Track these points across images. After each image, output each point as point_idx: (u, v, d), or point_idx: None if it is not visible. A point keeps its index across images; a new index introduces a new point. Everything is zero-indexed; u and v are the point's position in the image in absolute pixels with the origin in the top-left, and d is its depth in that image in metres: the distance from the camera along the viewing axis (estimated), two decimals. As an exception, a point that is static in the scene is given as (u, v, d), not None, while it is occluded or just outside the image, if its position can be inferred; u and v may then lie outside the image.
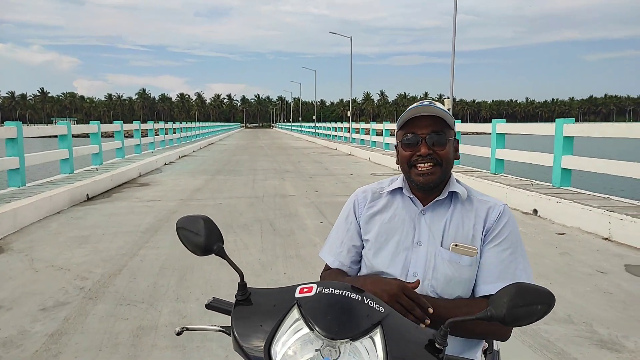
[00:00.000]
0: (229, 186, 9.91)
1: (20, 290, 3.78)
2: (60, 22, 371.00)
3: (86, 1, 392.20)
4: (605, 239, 5.39)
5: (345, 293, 0.90)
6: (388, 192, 1.37)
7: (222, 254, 1.06)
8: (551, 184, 7.98)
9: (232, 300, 1.12)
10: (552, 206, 6.52)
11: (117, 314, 3.31)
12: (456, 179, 1.35)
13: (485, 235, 1.25)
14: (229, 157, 18.58)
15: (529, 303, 0.86)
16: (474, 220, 1.27)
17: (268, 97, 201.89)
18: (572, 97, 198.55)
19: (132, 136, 16.31)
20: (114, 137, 14.18)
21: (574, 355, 2.74)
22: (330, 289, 0.91)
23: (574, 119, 8.13)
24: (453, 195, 1.31)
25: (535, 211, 6.87)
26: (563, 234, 5.70)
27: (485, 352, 1.39)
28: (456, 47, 16.49)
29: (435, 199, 1.30)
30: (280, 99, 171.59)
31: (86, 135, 12.38)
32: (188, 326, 1.06)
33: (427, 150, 1.24)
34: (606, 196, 6.75)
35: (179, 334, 1.04)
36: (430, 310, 1.09)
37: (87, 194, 8.22)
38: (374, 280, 1.17)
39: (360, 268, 1.39)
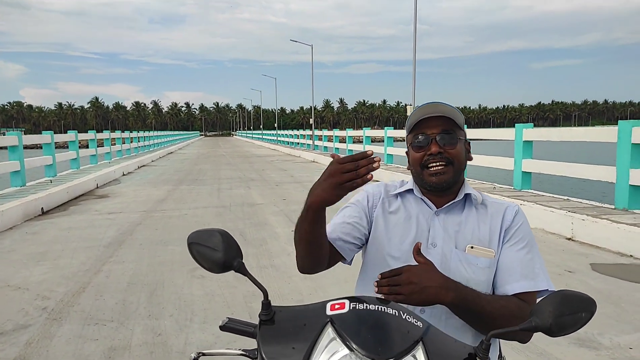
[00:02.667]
0: (193, 196, 9.65)
1: (-27, 314, 3.48)
2: (4, 27, 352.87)
3: (31, 6, 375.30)
4: (569, 239, 5.59)
5: (381, 308, 0.84)
6: (399, 193, 1.33)
7: (243, 271, 0.97)
8: (513, 187, 8.23)
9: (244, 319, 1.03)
10: (517, 208, 6.70)
11: (86, 334, 3.10)
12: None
13: (503, 235, 1.23)
14: (190, 167, 18.16)
15: (574, 311, 0.83)
16: (489, 223, 1.24)
17: (227, 105, 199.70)
18: (522, 104, 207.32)
19: (86, 146, 15.64)
20: (67, 147, 13.57)
21: (556, 355, 2.79)
22: (365, 305, 0.85)
23: (532, 124, 8.45)
24: (467, 198, 1.28)
25: (500, 214, 7.05)
26: (529, 235, 5.86)
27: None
28: (411, 55, 16.87)
29: (451, 202, 1.26)
30: (240, 106, 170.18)
31: (36, 147, 11.74)
32: (205, 351, 0.97)
33: (438, 148, 1.21)
34: (565, 198, 7.02)
35: (195, 360, 0.94)
36: (370, 152, 0.95)
37: (42, 208, 7.77)
38: (314, 188, 1.03)
39: (354, 246, 1.29)
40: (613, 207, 6.07)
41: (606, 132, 6.60)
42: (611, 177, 6.17)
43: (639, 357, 2.79)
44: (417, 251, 1.11)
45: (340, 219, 1.30)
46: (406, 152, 1.33)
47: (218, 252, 0.97)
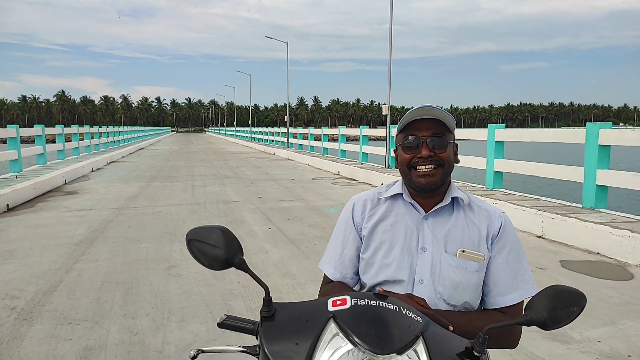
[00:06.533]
0: (167, 193, 9.48)
1: (-63, 315, 3.33)
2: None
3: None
4: (539, 236, 5.77)
5: (382, 304, 0.85)
6: (387, 197, 1.33)
7: (244, 267, 0.97)
8: (485, 186, 8.43)
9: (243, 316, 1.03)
10: (489, 207, 6.86)
11: (59, 334, 3.01)
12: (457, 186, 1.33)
13: (491, 245, 1.25)
14: (162, 163, 17.83)
15: (567, 305, 0.86)
16: (477, 227, 1.26)
17: (200, 101, 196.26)
18: (492, 105, 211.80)
19: (53, 141, 15.16)
20: (32, 142, 13.11)
21: (530, 350, 2.88)
22: (366, 300, 0.86)
23: (504, 124, 8.66)
24: (454, 201, 1.29)
25: (473, 212, 7.21)
26: (501, 233, 6.01)
27: None
28: (385, 55, 17.00)
29: (439, 205, 1.27)
30: (213, 103, 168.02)
31: (-1, 141, 11.32)
32: (204, 348, 0.96)
33: (429, 152, 1.23)
34: (535, 197, 7.23)
35: (194, 357, 0.93)
36: (451, 328, 1.05)
37: (7, 204, 7.49)
38: None
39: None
40: (580, 206, 6.29)
41: (575, 133, 6.82)
42: (579, 177, 6.39)
43: (607, 349, 2.90)
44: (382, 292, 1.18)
45: (340, 257, 1.34)
46: (394, 150, 1.34)
47: (219, 249, 0.96)
